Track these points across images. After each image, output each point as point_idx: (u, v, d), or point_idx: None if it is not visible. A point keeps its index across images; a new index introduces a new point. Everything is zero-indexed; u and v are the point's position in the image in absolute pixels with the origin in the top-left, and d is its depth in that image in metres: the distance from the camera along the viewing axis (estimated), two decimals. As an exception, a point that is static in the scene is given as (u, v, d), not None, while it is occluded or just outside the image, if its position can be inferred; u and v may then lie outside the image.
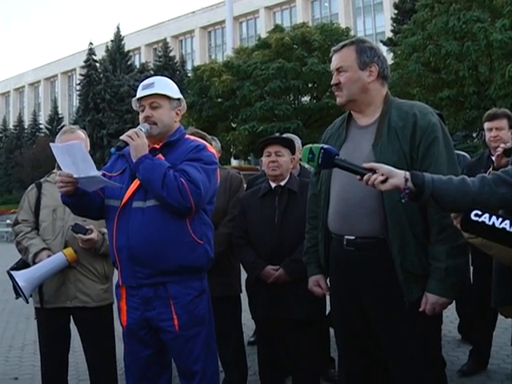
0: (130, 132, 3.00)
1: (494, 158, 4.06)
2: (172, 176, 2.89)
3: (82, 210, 3.21)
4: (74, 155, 2.95)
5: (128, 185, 3.04)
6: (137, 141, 2.95)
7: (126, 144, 2.98)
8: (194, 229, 3.02)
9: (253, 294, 3.99)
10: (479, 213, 2.13)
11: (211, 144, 4.23)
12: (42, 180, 4.03)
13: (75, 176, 2.95)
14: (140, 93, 3.13)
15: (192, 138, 3.23)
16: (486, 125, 4.68)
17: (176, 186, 2.87)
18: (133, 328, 3.08)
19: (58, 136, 3.94)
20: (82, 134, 3.95)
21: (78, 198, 3.05)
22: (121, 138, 3.00)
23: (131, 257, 2.98)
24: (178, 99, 3.21)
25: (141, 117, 3.12)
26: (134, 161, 2.97)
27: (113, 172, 3.18)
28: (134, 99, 3.20)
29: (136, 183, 3.00)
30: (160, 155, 3.05)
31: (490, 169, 3.90)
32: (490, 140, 4.59)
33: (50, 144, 3.05)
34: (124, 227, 2.99)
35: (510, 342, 3.56)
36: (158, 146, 3.11)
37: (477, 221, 2.13)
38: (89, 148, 3.99)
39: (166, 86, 3.17)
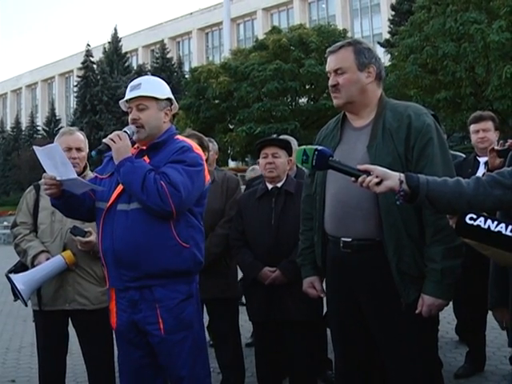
0: (112, 135, 2.98)
1: (488, 160, 4.09)
2: (152, 179, 2.86)
3: (72, 213, 3.21)
4: (53, 158, 2.95)
5: (115, 187, 3.03)
6: (118, 143, 2.94)
7: (108, 147, 2.97)
8: (179, 232, 2.97)
9: (250, 295, 3.99)
10: (474, 216, 2.10)
11: (208, 146, 4.25)
12: (40, 182, 3.99)
13: (58, 178, 2.95)
14: (127, 94, 3.11)
15: (181, 138, 3.18)
16: (472, 127, 4.76)
17: (155, 189, 2.83)
18: (122, 330, 3.07)
19: (56, 138, 3.92)
20: (80, 135, 3.94)
21: (66, 200, 3.05)
22: (103, 140, 2.99)
23: (116, 260, 2.96)
24: (168, 99, 3.18)
25: (129, 118, 3.11)
26: (116, 163, 2.96)
27: (103, 174, 3.18)
28: (121, 101, 3.18)
29: (121, 186, 2.99)
30: (146, 157, 3.04)
31: (485, 170, 3.91)
32: (477, 142, 4.68)
33: (33, 147, 3.04)
34: (109, 230, 2.98)
35: (507, 344, 3.55)
36: (145, 148, 3.11)
37: (472, 224, 2.10)
38: (87, 149, 3.98)
39: (153, 86, 3.14)
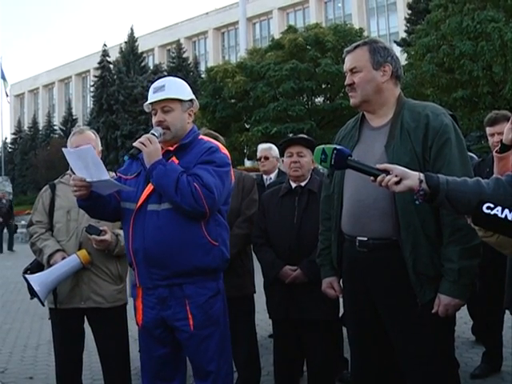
0: (142, 138, 3.01)
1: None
2: (185, 181, 2.90)
3: (98, 213, 3.24)
4: (85, 160, 2.98)
5: (143, 188, 3.06)
6: (149, 147, 2.97)
7: (139, 151, 3.00)
8: (209, 231, 3.03)
9: (271, 293, 4.00)
10: (491, 206, 2.07)
11: (224, 145, 4.25)
12: (55, 181, 4.05)
13: (88, 180, 2.98)
14: (151, 97, 3.13)
15: (206, 138, 3.24)
16: (488, 130, 4.60)
17: (189, 191, 2.88)
18: (148, 327, 3.10)
19: (69, 138, 3.97)
20: (91, 134, 3.97)
21: (93, 201, 3.08)
22: (134, 144, 3.02)
23: (147, 259, 3.00)
24: (190, 100, 3.21)
25: (154, 121, 3.14)
26: (148, 167, 2.99)
27: (128, 175, 3.20)
28: (146, 103, 3.21)
29: (151, 186, 3.02)
30: (174, 158, 3.07)
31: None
32: (494, 145, 4.45)
33: (63, 149, 3.09)
34: (140, 230, 3.01)
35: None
36: (172, 149, 3.13)
37: (489, 214, 2.08)
38: (100, 147, 4.01)
39: (177, 88, 3.17)
